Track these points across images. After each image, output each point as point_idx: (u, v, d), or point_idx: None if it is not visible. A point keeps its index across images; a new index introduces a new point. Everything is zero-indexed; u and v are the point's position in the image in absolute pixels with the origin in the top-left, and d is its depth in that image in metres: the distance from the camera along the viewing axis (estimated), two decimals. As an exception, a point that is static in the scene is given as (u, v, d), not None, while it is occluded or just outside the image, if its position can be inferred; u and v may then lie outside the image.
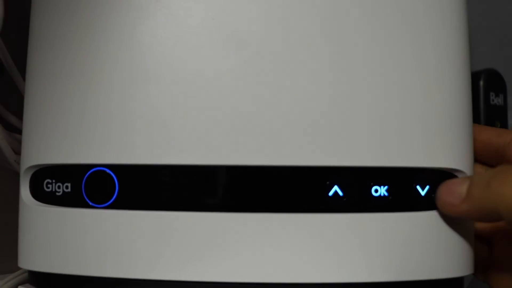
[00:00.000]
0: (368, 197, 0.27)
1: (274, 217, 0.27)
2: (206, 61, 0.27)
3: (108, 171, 0.28)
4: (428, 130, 0.27)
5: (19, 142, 0.34)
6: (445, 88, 0.28)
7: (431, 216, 0.27)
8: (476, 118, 0.48)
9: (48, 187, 0.28)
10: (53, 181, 0.28)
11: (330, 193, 0.27)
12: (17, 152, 0.33)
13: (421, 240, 0.27)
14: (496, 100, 0.50)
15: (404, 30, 0.27)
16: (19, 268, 0.30)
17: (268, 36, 0.27)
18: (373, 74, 0.27)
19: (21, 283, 0.31)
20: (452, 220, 0.27)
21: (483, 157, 0.30)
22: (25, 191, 0.29)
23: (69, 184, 0.28)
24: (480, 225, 0.31)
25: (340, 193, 0.27)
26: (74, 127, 0.28)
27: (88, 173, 0.28)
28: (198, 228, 0.27)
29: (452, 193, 0.26)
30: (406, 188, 0.27)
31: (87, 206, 0.28)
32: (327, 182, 0.27)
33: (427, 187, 0.27)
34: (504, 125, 0.51)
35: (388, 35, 0.27)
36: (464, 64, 0.28)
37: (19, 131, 0.35)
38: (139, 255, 0.27)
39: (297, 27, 0.27)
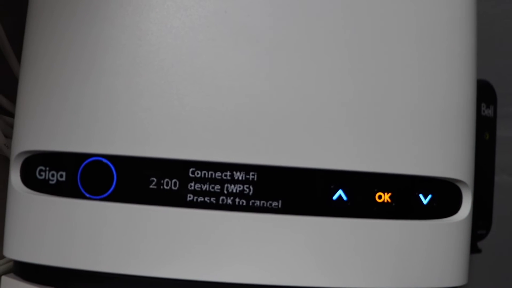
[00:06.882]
0: (371, 203, 0.27)
1: (275, 219, 0.26)
2: (215, 55, 0.26)
3: (106, 161, 0.27)
4: (433, 139, 0.27)
5: (9, 125, 0.32)
6: (452, 99, 0.28)
7: (431, 225, 0.27)
8: (468, 128, 0.49)
9: (41, 175, 0.27)
10: (47, 168, 0.27)
11: (335, 197, 0.27)
12: (7, 136, 0.32)
13: (419, 248, 0.27)
14: (487, 112, 0.51)
15: (412, 41, 0.27)
16: (3, 257, 0.29)
17: (280, 34, 0.26)
18: (382, 82, 0.27)
19: (5, 273, 0.29)
20: (450, 231, 0.27)
21: None
22: (15, 178, 0.27)
23: (64, 173, 0.27)
24: None
25: (345, 198, 0.27)
26: (73, 113, 0.26)
27: (85, 162, 0.27)
28: (199, 227, 0.26)
29: None
30: (408, 196, 0.27)
31: (82, 197, 0.27)
32: (332, 186, 0.27)
33: (430, 196, 0.27)
34: (493, 136, 0.52)
35: (398, 47, 0.27)
36: (470, 76, 0.28)
37: (9, 114, 0.33)
38: (134, 250, 0.26)
39: (310, 28, 0.27)
